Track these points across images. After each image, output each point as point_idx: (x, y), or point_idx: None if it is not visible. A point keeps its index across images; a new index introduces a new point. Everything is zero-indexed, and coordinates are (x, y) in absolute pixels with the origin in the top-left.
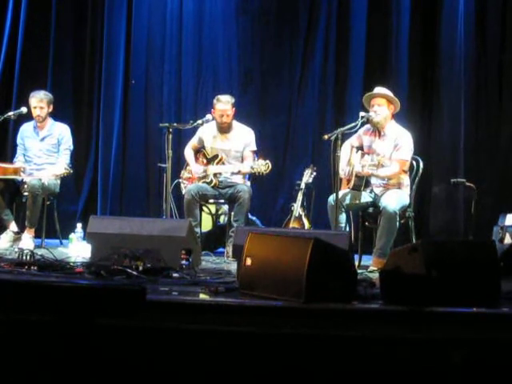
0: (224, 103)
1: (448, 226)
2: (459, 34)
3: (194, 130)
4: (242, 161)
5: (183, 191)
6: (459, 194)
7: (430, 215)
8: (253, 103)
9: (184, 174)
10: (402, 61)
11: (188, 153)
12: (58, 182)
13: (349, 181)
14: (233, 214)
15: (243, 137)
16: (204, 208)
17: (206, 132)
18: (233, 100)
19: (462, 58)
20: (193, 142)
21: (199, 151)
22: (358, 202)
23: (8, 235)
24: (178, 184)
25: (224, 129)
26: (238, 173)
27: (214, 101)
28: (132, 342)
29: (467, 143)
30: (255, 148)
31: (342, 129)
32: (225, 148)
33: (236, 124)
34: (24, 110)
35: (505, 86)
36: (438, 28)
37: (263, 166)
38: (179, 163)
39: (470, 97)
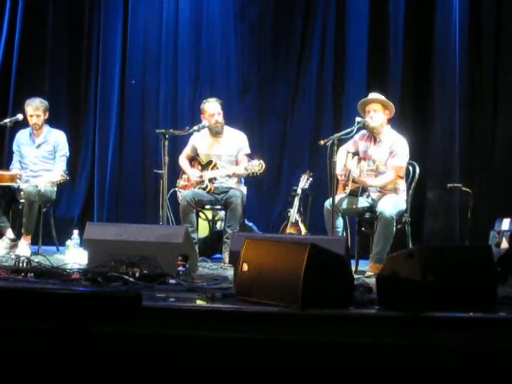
0: (213, 102)
1: (443, 231)
2: (454, 39)
3: (190, 137)
4: (237, 165)
5: (180, 199)
6: (455, 199)
7: (425, 220)
8: (251, 110)
9: (180, 182)
10: (397, 66)
11: (182, 161)
12: (55, 188)
13: (345, 185)
14: (226, 219)
15: (236, 141)
16: (200, 214)
17: (198, 139)
18: (220, 101)
19: (456, 63)
20: (186, 151)
21: (194, 159)
22: (354, 207)
23: (4, 242)
24: (175, 193)
25: (217, 132)
26: (233, 175)
27: (202, 105)
28: (128, 349)
29: (462, 148)
30: (249, 151)
31: (337, 134)
32: (218, 153)
33: (227, 128)
34: (20, 116)
35: (500, 90)
36: (433, 32)
37: (257, 166)
38: (175, 170)
39: (465, 101)
